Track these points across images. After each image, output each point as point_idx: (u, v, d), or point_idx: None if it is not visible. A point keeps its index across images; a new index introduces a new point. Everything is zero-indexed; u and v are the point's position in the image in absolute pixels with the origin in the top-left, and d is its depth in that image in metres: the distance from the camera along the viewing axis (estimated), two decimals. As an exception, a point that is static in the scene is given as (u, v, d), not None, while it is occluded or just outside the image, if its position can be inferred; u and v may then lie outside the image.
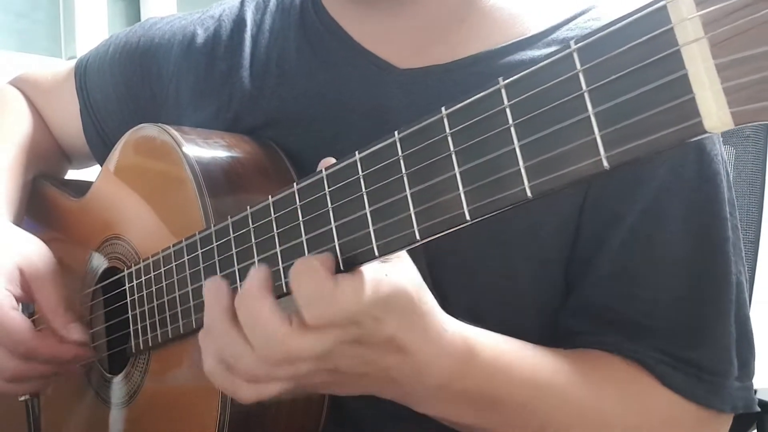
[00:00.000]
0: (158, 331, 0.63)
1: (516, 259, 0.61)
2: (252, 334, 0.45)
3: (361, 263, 0.44)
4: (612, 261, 0.61)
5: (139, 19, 2.15)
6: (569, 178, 0.33)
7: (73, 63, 0.88)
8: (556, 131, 0.33)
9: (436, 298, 0.61)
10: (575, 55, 0.33)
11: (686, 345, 0.61)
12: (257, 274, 0.46)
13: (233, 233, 0.54)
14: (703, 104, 0.29)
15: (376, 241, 0.43)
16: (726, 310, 0.61)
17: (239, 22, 0.74)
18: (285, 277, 0.49)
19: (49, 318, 0.68)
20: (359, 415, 0.65)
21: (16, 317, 0.66)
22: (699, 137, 0.29)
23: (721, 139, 0.64)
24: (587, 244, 0.62)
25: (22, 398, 0.81)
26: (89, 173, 0.92)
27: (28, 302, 0.71)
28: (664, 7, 0.29)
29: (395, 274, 0.46)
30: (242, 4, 0.76)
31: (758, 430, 0.88)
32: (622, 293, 0.61)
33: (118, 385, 0.70)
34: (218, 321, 0.47)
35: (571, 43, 0.33)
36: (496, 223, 0.60)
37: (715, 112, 0.28)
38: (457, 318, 0.62)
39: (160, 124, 0.66)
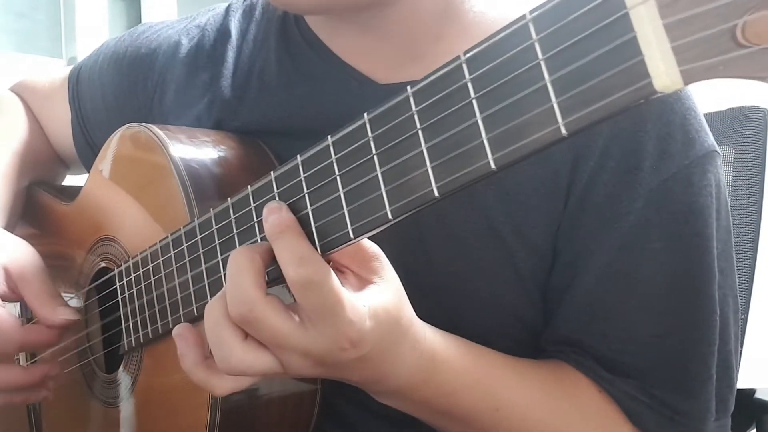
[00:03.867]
0: (149, 328, 0.63)
1: (496, 284, 0.62)
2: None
3: (338, 247, 0.45)
4: (586, 297, 0.60)
5: (140, 20, 2.16)
6: (531, 147, 0.34)
7: (68, 70, 0.89)
8: (516, 101, 0.34)
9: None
10: (530, 25, 0.33)
11: (663, 386, 0.60)
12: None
13: (216, 225, 0.54)
14: (652, 65, 0.29)
15: (351, 223, 0.43)
16: (709, 354, 0.60)
17: (223, 31, 0.74)
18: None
19: (36, 307, 0.68)
20: (351, 415, 0.65)
21: (2, 312, 0.67)
22: (651, 98, 0.29)
23: (720, 163, 0.62)
24: (561, 273, 0.61)
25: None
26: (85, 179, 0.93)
27: (14, 301, 0.72)
28: (613, -29, 0.30)
29: (376, 298, 0.47)
30: (227, 12, 0.76)
31: (758, 430, 0.87)
32: (597, 330, 0.60)
33: (113, 384, 0.70)
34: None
35: (527, 13, 0.33)
36: (476, 251, 0.61)
37: (664, 71, 0.29)
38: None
39: (144, 124, 0.67)
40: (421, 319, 0.61)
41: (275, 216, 0.46)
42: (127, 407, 0.68)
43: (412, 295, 0.61)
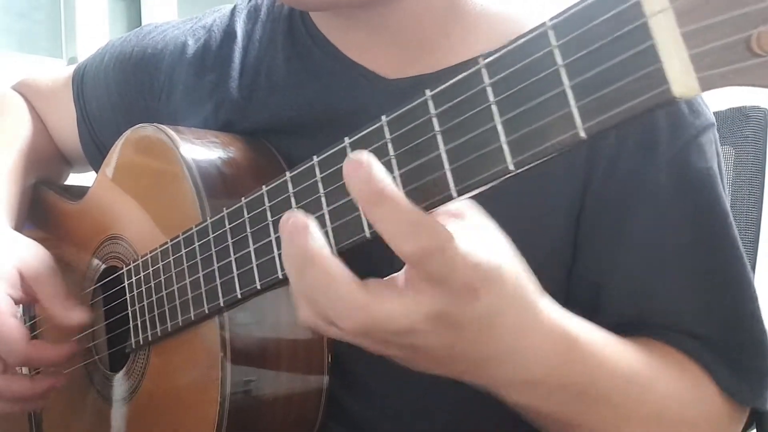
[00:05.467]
0: (158, 327, 0.64)
1: None
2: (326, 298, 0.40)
3: (352, 246, 0.46)
4: (628, 279, 0.60)
5: (140, 20, 2.16)
6: (550, 150, 0.35)
7: (72, 69, 0.89)
8: (535, 106, 0.35)
9: None
10: (550, 32, 0.34)
11: (726, 346, 0.60)
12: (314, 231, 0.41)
13: (229, 224, 0.55)
14: (670, 71, 0.30)
15: (369, 227, 0.44)
16: (756, 309, 0.61)
17: (229, 32, 0.75)
18: (281, 266, 0.51)
19: (49, 308, 0.69)
20: (357, 414, 0.66)
21: (14, 325, 0.67)
22: (668, 104, 0.30)
23: (717, 136, 0.65)
24: (594, 262, 0.61)
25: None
26: (90, 178, 0.93)
27: (29, 303, 0.72)
28: (631, -20, 0.31)
29: (492, 242, 0.42)
30: (233, 13, 0.77)
31: (758, 429, 0.87)
32: (647, 309, 0.61)
33: (119, 382, 0.71)
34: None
35: (547, 21, 0.34)
36: None
37: (682, 78, 0.30)
38: None
39: (155, 124, 0.68)
40: None
41: (364, 175, 0.37)
42: (132, 405, 0.69)
43: None
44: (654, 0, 0.30)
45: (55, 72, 0.92)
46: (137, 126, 0.70)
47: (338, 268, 0.40)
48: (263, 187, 0.52)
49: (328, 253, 0.40)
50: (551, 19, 0.34)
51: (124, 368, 0.70)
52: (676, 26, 0.30)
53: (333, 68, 0.68)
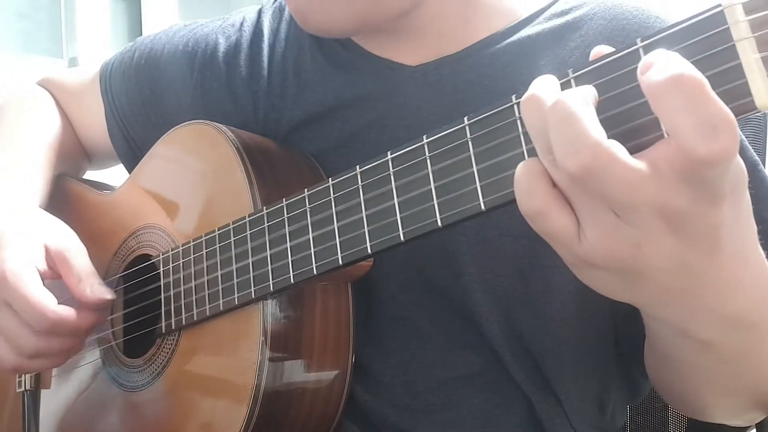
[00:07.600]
0: (194, 311, 0.66)
1: (554, 278, 0.64)
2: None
3: (421, 235, 0.50)
4: None
5: (140, 20, 2.17)
6: (634, 150, 0.40)
7: (97, 67, 0.92)
8: (623, 111, 0.40)
9: (471, 315, 0.66)
10: (641, 51, 0.40)
11: None
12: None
13: (287, 213, 0.59)
14: (754, 87, 0.36)
15: (402, 228, 0.51)
16: None
17: (258, 31, 0.79)
18: (341, 251, 0.55)
19: (73, 284, 0.69)
20: (367, 404, 0.69)
21: (40, 293, 0.67)
22: (750, 113, 0.36)
23: None
24: None
25: (20, 389, 0.82)
26: (107, 174, 0.95)
27: (54, 279, 0.73)
28: (721, 12, 0.37)
29: None
30: (260, 13, 0.81)
31: (757, 429, 0.90)
32: None
33: (139, 368, 0.72)
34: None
35: (638, 41, 0.40)
36: (536, 246, 0.63)
37: (765, 93, 0.36)
38: (492, 333, 0.66)
39: (207, 121, 0.71)
40: (440, 325, 0.67)
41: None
42: (154, 390, 0.70)
43: (436, 304, 0.67)
44: (741, 29, 0.36)
45: (79, 70, 0.94)
46: (188, 122, 0.73)
47: (585, 103, 0.39)
48: (329, 180, 0.56)
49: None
50: (642, 41, 0.40)
51: (149, 353, 0.72)
52: (756, 51, 0.36)
53: (358, 63, 0.73)
